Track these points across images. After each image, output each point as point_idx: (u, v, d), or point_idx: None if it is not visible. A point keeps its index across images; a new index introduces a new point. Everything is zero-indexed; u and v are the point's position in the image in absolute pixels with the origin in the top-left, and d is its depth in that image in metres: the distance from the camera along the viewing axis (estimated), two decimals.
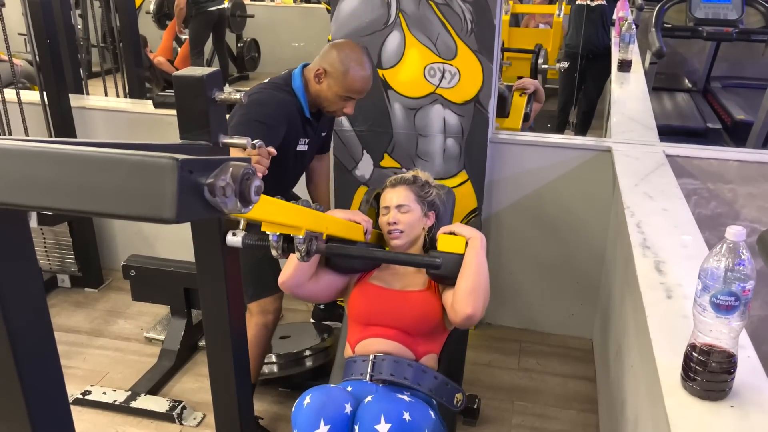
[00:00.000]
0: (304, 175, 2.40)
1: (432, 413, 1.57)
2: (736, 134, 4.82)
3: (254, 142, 1.48)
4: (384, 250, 1.87)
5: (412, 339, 1.75)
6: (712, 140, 4.68)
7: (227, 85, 6.88)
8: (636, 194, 1.97)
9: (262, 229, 1.32)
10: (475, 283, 1.69)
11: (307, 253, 1.38)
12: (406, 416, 1.49)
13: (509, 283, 2.81)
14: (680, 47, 5.82)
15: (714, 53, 5.60)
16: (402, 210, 1.85)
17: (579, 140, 2.71)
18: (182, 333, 2.57)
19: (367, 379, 1.68)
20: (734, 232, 0.98)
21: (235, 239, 1.38)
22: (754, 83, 5.51)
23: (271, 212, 1.19)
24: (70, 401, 2.30)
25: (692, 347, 1.07)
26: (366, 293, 1.83)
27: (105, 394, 2.35)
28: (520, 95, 3.40)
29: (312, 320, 2.80)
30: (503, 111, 3.20)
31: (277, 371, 2.39)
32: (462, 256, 1.75)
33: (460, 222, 2.12)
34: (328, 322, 2.73)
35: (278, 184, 2.11)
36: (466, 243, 1.77)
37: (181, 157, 0.67)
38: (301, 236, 1.33)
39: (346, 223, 1.72)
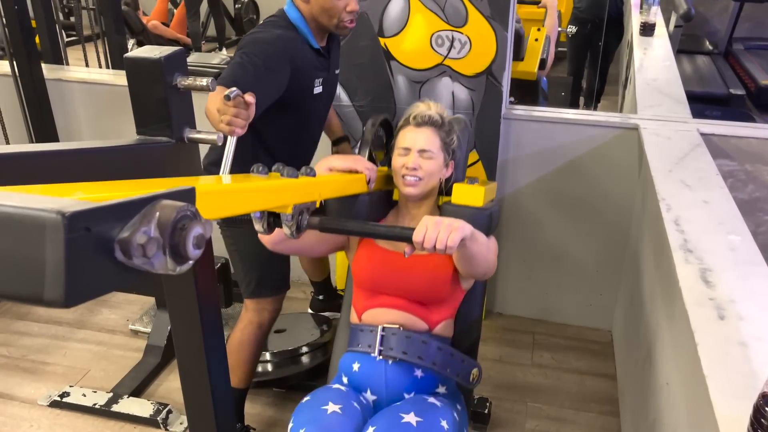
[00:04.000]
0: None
1: (445, 423, 1.42)
2: (761, 101, 4.54)
3: (227, 93, 1.25)
4: (387, 227, 1.55)
5: (425, 308, 1.59)
6: (735, 107, 4.40)
7: (224, 49, 6.57)
8: (671, 183, 1.74)
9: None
10: (478, 263, 1.50)
11: (297, 230, 1.15)
12: None
13: (522, 269, 2.60)
14: (701, 6, 5.47)
15: (737, 13, 5.26)
16: (425, 156, 1.61)
17: (602, 116, 2.45)
18: (169, 327, 2.38)
19: (376, 354, 1.53)
20: None
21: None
22: None
23: (241, 203, 0.95)
24: (47, 403, 2.15)
25: (765, 398, 0.86)
26: (371, 257, 1.62)
27: (85, 396, 2.17)
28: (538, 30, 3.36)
29: (310, 311, 2.60)
30: (518, 53, 3.03)
31: (272, 371, 2.20)
32: (479, 209, 1.61)
33: None
34: (327, 313, 2.53)
35: (299, 138, 1.91)
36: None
37: (70, 209, 0.45)
38: (288, 213, 1.11)
39: (343, 180, 1.50)
